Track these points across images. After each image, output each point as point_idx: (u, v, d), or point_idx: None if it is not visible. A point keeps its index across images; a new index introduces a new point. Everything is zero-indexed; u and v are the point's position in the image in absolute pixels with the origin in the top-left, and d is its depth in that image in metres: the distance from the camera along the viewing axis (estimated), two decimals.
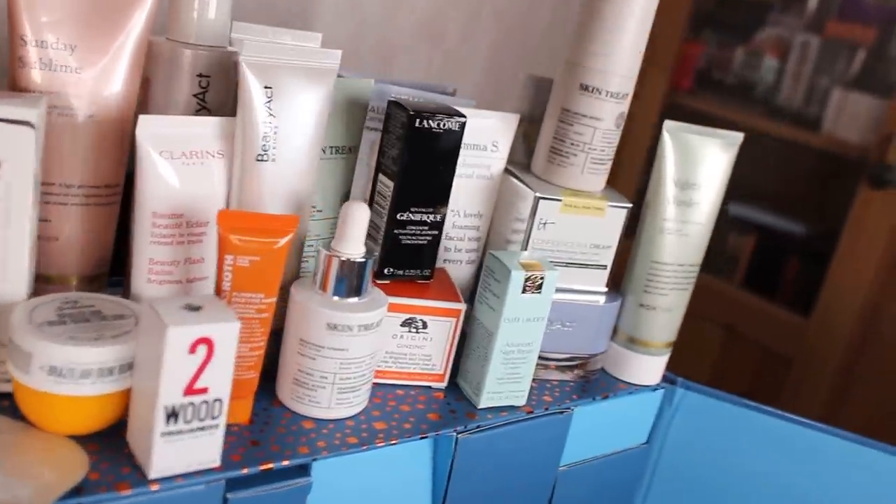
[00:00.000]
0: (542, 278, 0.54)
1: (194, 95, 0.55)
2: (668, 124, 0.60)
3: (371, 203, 0.57)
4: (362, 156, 0.60)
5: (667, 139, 0.60)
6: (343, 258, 0.50)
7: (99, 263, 0.55)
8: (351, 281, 0.50)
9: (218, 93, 0.56)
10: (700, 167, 0.61)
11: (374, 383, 0.56)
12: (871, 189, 1.18)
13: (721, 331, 1.35)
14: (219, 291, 0.47)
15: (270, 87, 0.50)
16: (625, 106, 0.60)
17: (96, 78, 0.51)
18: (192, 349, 0.41)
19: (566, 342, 0.61)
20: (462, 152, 0.60)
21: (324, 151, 0.57)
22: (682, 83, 1.44)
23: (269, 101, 0.50)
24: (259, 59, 0.49)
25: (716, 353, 1.35)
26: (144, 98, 0.55)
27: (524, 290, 0.54)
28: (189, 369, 0.42)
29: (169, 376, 0.41)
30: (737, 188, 1.47)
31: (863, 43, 1.34)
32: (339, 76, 0.57)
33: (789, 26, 1.41)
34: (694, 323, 1.43)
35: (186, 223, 0.50)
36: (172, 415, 0.42)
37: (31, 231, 0.46)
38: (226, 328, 0.43)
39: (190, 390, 0.42)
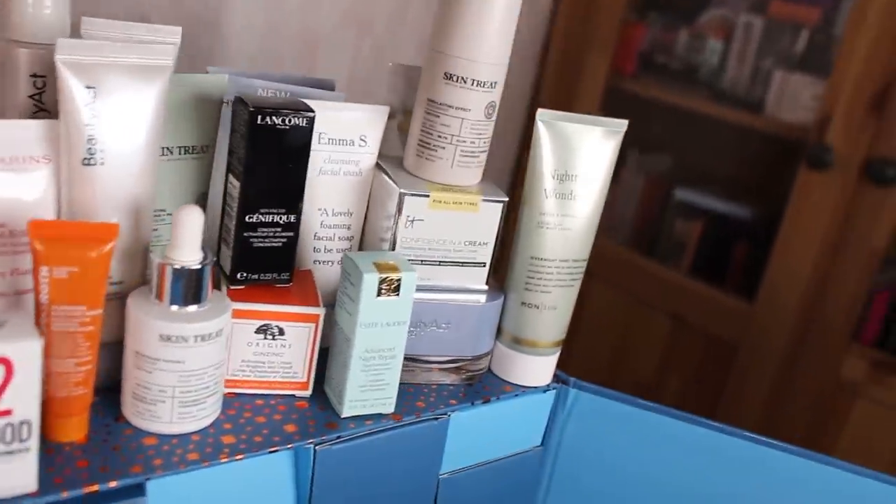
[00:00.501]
0: (398, 280, 0.52)
1: (30, 97, 0.52)
2: (542, 113, 0.58)
3: (223, 205, 0.55)
4: (221, 155, 0.57)
5: (541, 129, 0.58)
6: (177, 266, 0.47)
7: None
8: (188, 289, 0.48)
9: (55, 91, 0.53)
10: (579, 157, 0.59)
11: (232, 394, 0.54)
12: (810, 170, 1.15)
13: (668, 320, 1.33)
14: (37, 305, 0.45)
15: (93, 87, 0.47)
16: (495, 95, 0.57)
17: None
18: None
19: (446, 344, 0.59)
20: (328, 148, 0.58)
21: (171, 151, 0.54)
22: (624, 67, 1.41)
23: (91, 103, 0.47)
24: (78, 58, 0.47)
25: (663, 342, 1.33)
26: None
27: (379, 294, 0.51)
28: None
29: None
30: (683, 173, 1.45)
31: (806, 23, 1.31)
32: (209, 72, 0.55)
33: (733, 7, 1.39)
34: (641, 311, 1.42)
35: (10, 232, 0.47)
36: None
37: None
38: (25, 346, 0.40)
39: None
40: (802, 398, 1.19)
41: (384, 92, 0.63)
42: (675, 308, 1.32)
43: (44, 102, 0.53)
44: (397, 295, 0.52)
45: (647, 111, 1.40)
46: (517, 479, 0.65)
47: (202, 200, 0.57)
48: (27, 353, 0.40)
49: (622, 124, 0.60)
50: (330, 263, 0.60)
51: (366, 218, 0.61)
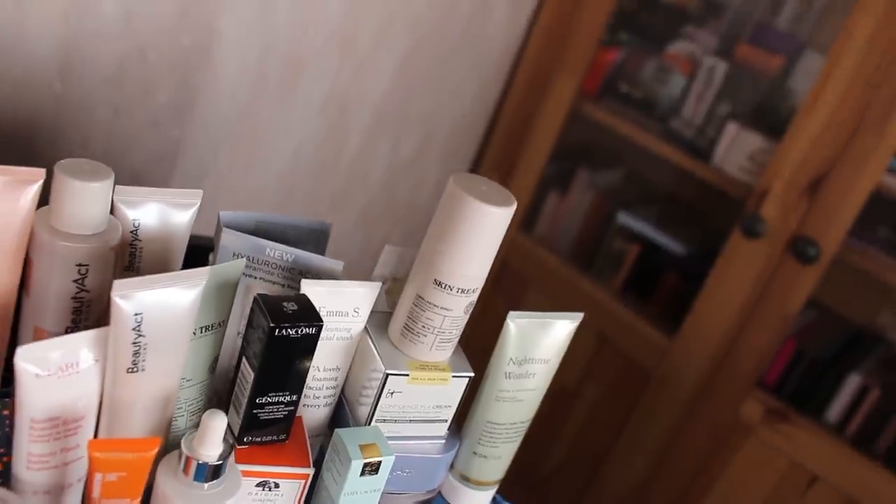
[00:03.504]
0: (379, 463, 0.65)
1: (74, 281, 0.62)
2: (513, 315, 0.70)
3: (235, 376, 0.66)
4: (233, 320, 0.68)
5: (511, 328, 0.70)
6: (201, 461, 0.59)
7: None
8: (209, 474, 0.60)
9: (97, 274, 0.63)
10: (539, 347, 0.71)
11: None
12: (742, 235, 1.30)
13: (594, 336, 1.49)
14: (89, 498, 0.57)
15: (140, 313, 0.57)
16: (474, 297, 0.69)
17: None
18: None
19: (407, 483, 0.73)
20: (325, 318, 0.69)
21: (195, 333, 0.65)
22: (589, 89, 1.50)
23: (138, 325, 0.57)
24: (129, 292, 0.56)
25: (588, 354, 1.50)
26: (27, 276, 0.62)
27: (362, 474, 0.65)
28: None
29: None
30: (629, 198, 1.58)
31: (767, 72, 1.42)
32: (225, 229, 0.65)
33: (702, 42, 1.48)
34: None
35: (63, 422, 0.58)
36: None
37: None
38: None
39: None
40: (702, 428, 1.38)
41: (376, 266, 0.73)
42: (601, 326, 1.48)
43: (86, 286, 0.62)
44: (376, 473, 0.65)
45: (603, 134, 1.51)
46: None
47: (214, 363, 0.68)
48: None
49: (579, 316, 0.73)
50: (317, 407, 0.72)
51: (350, 368, 0.73)
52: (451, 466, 0.76)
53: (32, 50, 0.93)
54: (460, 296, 0.68)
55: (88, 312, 0.64)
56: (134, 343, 0.58)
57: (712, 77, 1.44)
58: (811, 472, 1.28)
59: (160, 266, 0.69)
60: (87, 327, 0.64)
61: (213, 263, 0.71)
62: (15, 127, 0.97)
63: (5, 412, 0.70)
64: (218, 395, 0.72)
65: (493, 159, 1.56)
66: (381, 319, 0.73)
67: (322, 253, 0.76)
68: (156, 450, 0.57)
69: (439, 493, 0.78)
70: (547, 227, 1.55)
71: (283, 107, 1.21)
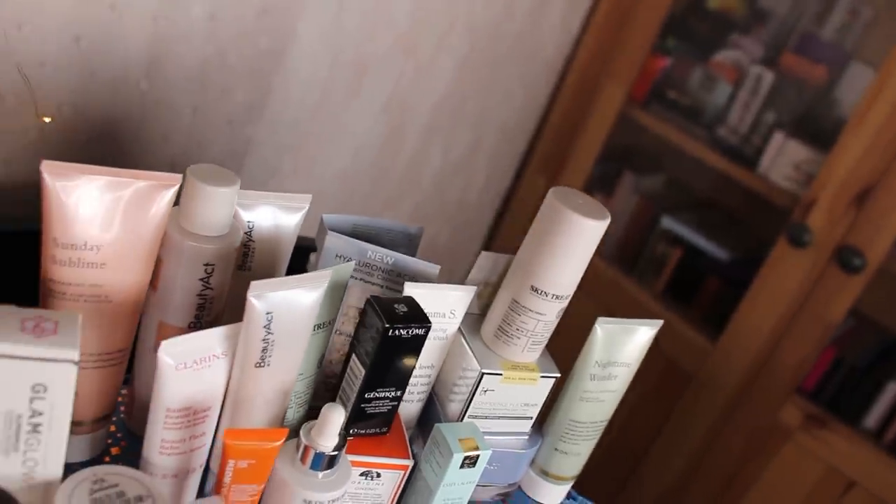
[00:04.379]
0: (477, 457, 0.70)
1: (200, 279, 0.67)
2: (601, 320, 0.75)
3: (343, 371, 0.71)
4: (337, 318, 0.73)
5: (598, 333, 0.75)
6: (319, 450, 0.64)
7: (107, 408, 0.69)
8: (325, 464, 0.65)
9: (221, 273, 0.68)
10: (622, 351, 0.76)
11: None
12: (787, 243, 1.35)
13: None
14: (219, 483, 0.62)
15: (271, 312, 0.62)
16: (566, 302, 0.74)
17: (116, 270, 0.63)
18: None
19: (493, 476, 0.78)
20: None
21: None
22: (637, 95, 1.55)
23: (269, 323, 0.62)
24: (262, 292, 0.61)
25: None
26: (156, 273, 0.67)
27: (462, 466, 0.70)
28: None
29: None
30: (673, 203, 1.63)
31: (812, 83, 1.47)
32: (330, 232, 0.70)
33: (747, 51, 1.53)
34: None
35: (193, 412, 0.63)
36: None
37: (66, 433, 0.59)
38: None
39: None
40: (741, 432, 1.44)
41: (471, 270, 0.78)
42: None
43: (210, 284, 0.67)
44: (474, 467, 0.70)
45: (649, 139, 1.56)
46: None
47: (322, 359, 0.73)
48: None
49: (658, 323, 0.78)
50: (411, 402, 0.77)
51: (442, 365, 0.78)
52: (532, 461, 0.81)
53: (123, 50, 0.98)
54: (554, 301, 0.73)
55: (210, 309, 0.69)
56: (263, 340, 0.63)
57: (759, 86, 1.49)
58: (848, 478, 1.33)
59: (270, 266, 0.74)
60: (208, 323, 0.69)
61: (315, 264, 0.76)
62: (103, 123, 1.02)
63: (124, 392, 0.75)
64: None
65: (539, 161, 1.60)
66: (471, 321, 0.78)
67: (413, 255, 0.81)
68: (283, 440, 0.62)
69: (519, 486, 0.83)
70: None
71: (347, 110, 1.26)
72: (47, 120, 0.95)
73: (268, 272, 0.74)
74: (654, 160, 1.61)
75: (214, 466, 0.69)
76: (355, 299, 0.76)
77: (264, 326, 0.62)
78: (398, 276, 0.76)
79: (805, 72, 1.49)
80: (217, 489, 0.62)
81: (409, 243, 0.82)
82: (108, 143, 1.03)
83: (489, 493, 0.80)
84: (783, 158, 1.42)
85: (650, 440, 1.52)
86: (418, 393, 0.77)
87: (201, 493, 0.70)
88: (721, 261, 1.55)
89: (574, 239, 0.70)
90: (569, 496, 0.85)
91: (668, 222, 1.57)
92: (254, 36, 1.08)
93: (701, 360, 1.46)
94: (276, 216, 0.73)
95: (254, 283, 0.61)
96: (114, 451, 0.72)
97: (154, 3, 0.97)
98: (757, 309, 1.39)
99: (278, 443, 0.62)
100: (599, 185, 1.60)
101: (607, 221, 0.71)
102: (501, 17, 1.36)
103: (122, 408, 0.75)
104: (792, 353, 1.37)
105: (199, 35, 1.02)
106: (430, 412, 0.79)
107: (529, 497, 0.82)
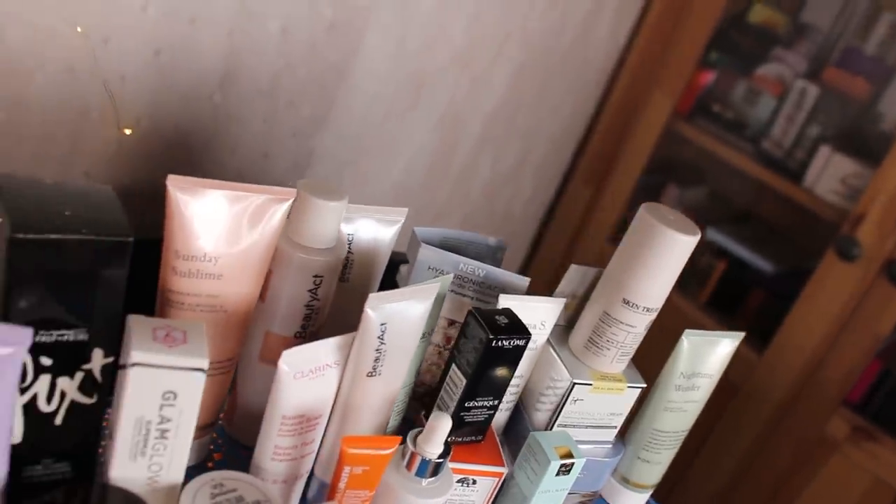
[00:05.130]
0: (572, 465, 0.72)
1: (308, 290, 0.69)
2: (688, 332, 0.77)
3: (442, 381, 0.73)
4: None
5: (685, 344, 0.77)
6: (426, 457, 0.67)
7: (213, 416, 0.72)
8: (430, 470, 0.67)
9: (328, 284, 0.70)
10: (706, 362, 0.79)
11: None
12: (836, 257, 1.37)
13: None
14: (333, 489, 0.64)
15: (385, 324, 0.65)
16: (655, 315, 0.76)
17: (230, 280, 0.65)
18: None
19: (577, 485, 0.80)
20: None
21: None
22: (682, 107, 1.58)
23: (382, 334, 0.65)
24: (378, 304, 0.64)
25: None
26: (265, 285, 0.69)
27: (557, 474, 0.72)
28: None
29: None
30: (717, 215, 1.65)
31: (855, 97, 1.50)
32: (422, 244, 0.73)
33: (791, 65, 1.55)
34: (657, 334, 1.65)
35: (306, 419, 0.66)
36: None
37: (190, 439, 0.61)
38: None
39: None
40: (787, 444, 1.46)
41: (560, 283, 0.81)
42: None
43: (318, 295, 0.70)
44: (568, 474, 0.73)
45: (693, 152, 1.58)
46: None
47: (418, 369, 0.75)
48: None
49: (740, 335, 0.80)
50: (500, 411, 0.80)
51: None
52: (614, 470, 0.84)
53: (199, 64, 1.01)
54: (645, 314, 0.75)
55: (315, 319, 0.71)
56: (376, 350, 0.65)
57: (803, 99, 1.51)
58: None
59: (366, 277, 0.77)
60: (312, 333, 0.72)
61: (408, 276, 0.79)
62: (176, 134, 1.05)
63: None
64: None
65: (585, 173, 1.63)
66: (557, 332, 0.80)
67: (498, 267, 0.83)
68: (396, 447, 0.65)
69: (599, 494, 0.85)
70: None
71: (404, 122, 1.29)
72: (128, 132, 0.98)
73: (365, 284, 0.77)
74: (698, 173, 1.64)
75: (319, 473, 0.72)
76: (446, 311, 0.78)
77: (378, 337, 0.65)
78: (489, 289, 0.78)
79: (848, 86, 1.52)
80: (331, 495, 0.65)
81: (493, 256, 0.84)
82: (179, 154, 1.06)
83: (572, 500, 0.82)
84: (829, 172, 1.45)
85: (695, 452, 1.55)
86: (507, 402, 0.80)
87: (304, 499, 0.72)
88: (765, 273, 1.58)
89: (666, 253, 0.73)
90: None
91: (712, 234, 1.60)
92: (323, 50, 1.11)
93: (747, 372, 1.48)
94: (373, 229, 0.76)
95: (371, 296, 0.63)
96: (216, 456, 0.75)
97: (232, 18, 1.00)
98: (804, 321, 1.41)
99: (392, 450, 0.64)
100: (643, 197, 1.62)
101: (698, 237, 0.74)
102: (553, 30, 1.39)
103: (222, 415, 0.77)
104: (838, 365, 1.39)
105: (271, 49, 1.05)
106: (517, 422, 0.81)
107: None
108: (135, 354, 0.56)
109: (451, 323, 0.79)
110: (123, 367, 0.59)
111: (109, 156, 0.96)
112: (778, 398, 1.45)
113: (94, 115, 0.93)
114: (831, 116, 1.51)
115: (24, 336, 0.53)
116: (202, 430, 0.72)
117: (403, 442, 0.67)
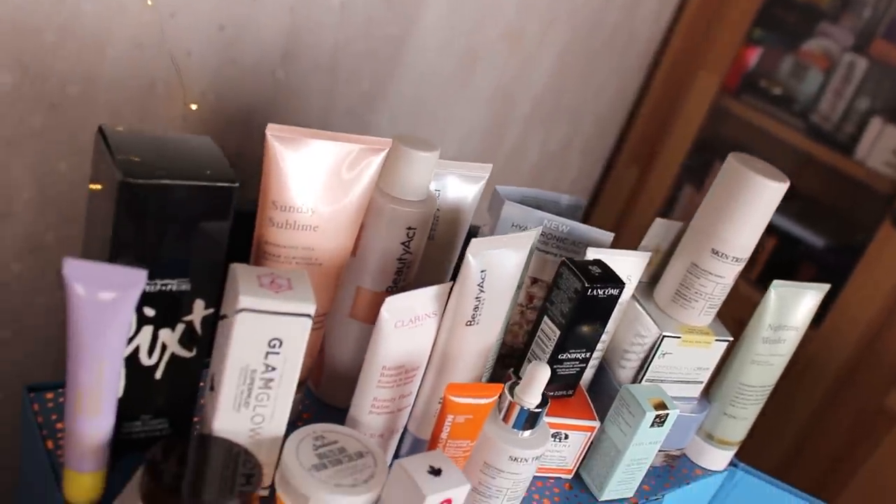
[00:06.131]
0: (667, 416, 0.72)
1: (401, 243, 0.69)
2: (776, 283, 0.77)
3: (533, 334, 0.73)
4: None
5: (772, 296, 0.77)
6: (525, 406, 0.66)
7: (305, 373, 0.71)
8: (528, 421, 0.67)
9: (419, 237, 0.70)
10: (792, 314, 0.78)
11: None
12: (892, 227, 1.36)
13: (734, 324, 1.55)
14: (435, 439, 0.64)
15: (485, 270, 0.64)
16: (742, 265, 0.76)
17: (328, 233, 0.65)
18: None
19: (663, 443, 0.80)
20: None
21: None
22: (729, 84, 1.57)
23: (482, 282, 0.65)
24: (479, 251, 0.64)
25: None
26: (358, 239, 0.69)
27: (652, 425, 0.72)
28: None
29: None
30: None
31: None
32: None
33: (837, 39, 1.55)
34: None
35: (405, 370, 0.66)
36: None
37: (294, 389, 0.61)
38: (462, 490, 0.60)
39: None
40: (845, 416, 1.44)
41: (644, 237, 0.80)
42: (741, 314, 1.54)
43: (410, 248, 0.70)
44: (662, 426, 0.72)
45: (741, 129, 1.58)
46: None
47: (508, 321, 0.75)
48: (462, 494, 0.60)
49: (825, 287, 0.79)
50: (587, 368, 0.79)
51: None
52: (699, 427, 0.83)
53: (262, 40, 1.01)
54: (734, 264, 0.75)
55: (407, 273, 0.71)
56: (476, 298, 0.65)
57: (851, 73, 1.50)
58: None
59: (452, 233, 0.77)
60: (402, 288, 0.72)
61: (490, 235, 0.79)
62: (237, 110, 1.05)
63: None
64: None
65: (630, 152, 1.63)
66: (641, 287, 0.80)
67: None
68: (497, 396, 0.64)
69: (684, 452, 0.84)
70: (683, 219, 1.61)
71: (457, 98, 1.29)
72: (194, 107, 0.98)
73: (450, 240, 0.77)
74: (746, 150, 1.63)
75: (413, 428, 0.71)
76: (530, 269, 0.78)
77: (478, 284, 0.65)
78: (572, 244, 0.78)
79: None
80: (432, 446, 0.64)
81: (572, 214, 0.84)
82: (240, 129, 1.06)
83: (657, 459, 0.81)
84: (882, 144, 1.44)
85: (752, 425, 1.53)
86: (593, 358, 0.79)
87: (397, 456, 0.72)
88: (816, 248, 1.56)
89: (756, 200, 0.72)
90: (731, 463, 0.86)
91: None
92: (381, 24, 1.11)
93: (804, 344, 1.46)
94: (459, 185, 0.75)
95: (473, 241, 0.63)
96: (305, 416, 0.74)
97: None
98: (861, 294, 1.40)
99: (494, 398, 0.64)
100: (690, 176, 1.62)
101: (787, 184, 0.73)
102: (601, 7, 1.39)
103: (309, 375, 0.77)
104: None
105: (331, 24, 1.05)
106: (601, 379, 0.80)
107: (694, 463, 0.84)
108: (242, 300, 0.56)
109: (535, 281, 0.78)
110: (225, 316, 0.59)
111: (175, 130, 0.96)
112: (835, 370, 1.44)
113: (160, 90, 0.93)
114: (881, 89, 1.50)
115: (138, 277, 0.53)
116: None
117: (501, 393, 0.67)
